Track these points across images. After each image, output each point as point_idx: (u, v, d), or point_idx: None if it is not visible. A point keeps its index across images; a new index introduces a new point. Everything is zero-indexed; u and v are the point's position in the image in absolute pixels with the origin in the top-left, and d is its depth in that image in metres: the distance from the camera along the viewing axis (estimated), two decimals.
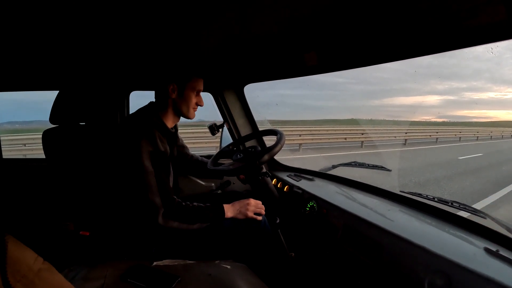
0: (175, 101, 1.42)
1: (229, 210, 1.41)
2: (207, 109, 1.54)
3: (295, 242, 1.54)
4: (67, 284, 0.53)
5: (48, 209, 1.88)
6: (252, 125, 2.18)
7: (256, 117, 2.19)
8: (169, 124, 1.45)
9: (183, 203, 1.34)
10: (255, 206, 1.44)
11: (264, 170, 1.57)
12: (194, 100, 1.45)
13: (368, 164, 1.77)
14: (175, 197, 1.34)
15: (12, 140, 8.06)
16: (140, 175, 1.26)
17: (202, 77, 1.46)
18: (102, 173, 1.60)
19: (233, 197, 1.60)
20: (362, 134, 12.46)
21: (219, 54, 1.45)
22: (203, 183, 2.12)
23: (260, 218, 1.45)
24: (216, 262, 1.26)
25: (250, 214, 1.42)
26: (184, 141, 1.80)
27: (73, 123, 1.65)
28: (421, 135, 14.47)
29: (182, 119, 1.50)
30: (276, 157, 2.00)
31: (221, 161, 1.78)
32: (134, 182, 1.28)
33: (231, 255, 1.35)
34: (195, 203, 1.37)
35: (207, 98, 2.11)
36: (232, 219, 1.42)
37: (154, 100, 1.48)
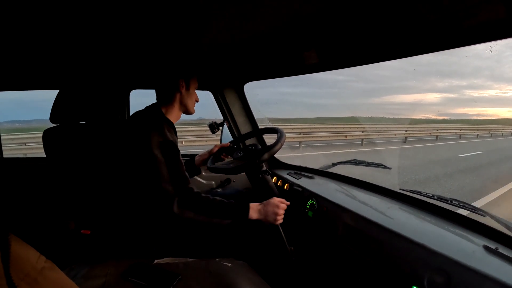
0: (182, 96, 1.45)
1: (255, 212, 1.33)
2: (207, 107, 1.55)
3: (295, 240, 1.55)
4: (69, 282, 0.53)
5: (49, 208, 1.89)
6: (252, 123, 2.19)
7: (256, 115, 2.19)
8: (173, 120, 1.47)
9: (202, 195, 1.31)
10: (282, 214, 1.36)
11: (264, 168, 1.58)
12: (195, 95, 1.50)
13: (368, 162, 1.77)
14: (192, 187, 1.32)
15: (12, 139, 8.05)
16: (151, 165, 1.25)
17: (202, 75, 1.48)
18: (103, 171, 1.60)
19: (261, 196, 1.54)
20: (362, 132, 12.45)
21: (219, 52, 1.45)
22: (203, 181, 2.13)
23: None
24: (217, 260, 1.26)
25: (277, 223, 1.36)
26: (185, 139, 1.80)
27: (73, 122, 1.66)
28: (421, 133, 14.47)
29: (181, 116, 1.51)
30: (276, 155, 2.01)
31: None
32: (146, 173, 1.27)
33: (231, 253, 1.35)
34: (216, 197, 1.33)
35: (207, 96, 2.11)
36: None
37: (154, 98, 1.48)
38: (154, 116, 1.39)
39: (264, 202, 1.36)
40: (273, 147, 1.49)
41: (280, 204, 1.34)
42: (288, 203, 1.39)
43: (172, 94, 1.44)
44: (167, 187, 1.25)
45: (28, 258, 0.47)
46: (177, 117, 1.49)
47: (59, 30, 1.08)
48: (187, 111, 1.50)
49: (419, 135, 14.19)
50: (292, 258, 1.47)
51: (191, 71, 1.47)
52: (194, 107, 1.53)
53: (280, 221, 1.35)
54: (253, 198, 1.49)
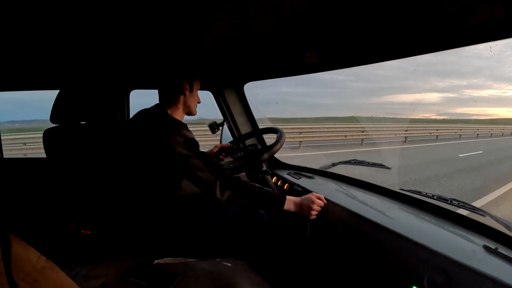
0: (186, 98, 1.45)
1: (292, 204, 1.37)
2: (207, 107, 1.55)
3: (295, 240, 1.55)
4: (69, 282, 0.53)
5: (49, 208, 1.89)
6: (252, 123, 2.19)
7: (256, 115, 2.19)
8: None
9: (242, 180, 1.34)
10: (317, 210, 1.37)
11: (264, 168, 1.58)
12: (197, 97, 1.51)
13: (368, 162, 1.77)
14: (231, 172, 1.34)
15: (12, 139, 8.05)
16: (183, 163, 1.28)
17: (202, 75, 1.49)
18: (104, 171, 1.60)
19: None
20: (362, 131, 12.46)
21: (219, 53, 1.46)
22: None
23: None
24: (217, 260, 1.26)
25: (311, 218, 1.37)
26: None
27: (73, 122, 1.66)
28: (421, 133, 14.48)
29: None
30: (276, 155, 2.01)
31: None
32: (179, 172, 1.30)
33: (231, 253, 1.35)
34: (257, 185, 1.38)
35: (207, 96, 2.12)
36: (233, 214, 1.45)
37: (154, 98, 1.49)
38: (165, 118, 1.38)
39: (302, 196, 1.39)
40: (272, 147, 1.49)
41: (316, 200, 1.37)
42: (325, 201, 1.40)
43: (176, 96, 1.44)
44: (205, 176, 1.29)
45: (28, 258, 0.47)
46: (181, 118, 1.49)
47: (59, 30, 1.08)
48: (190, 113, 1.50)
49: (419, 135, 14.20)
50: (307, 258, 1.46)
51: (195, 73, 1.47)
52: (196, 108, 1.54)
53: (314, 216, 1.37)
54: None
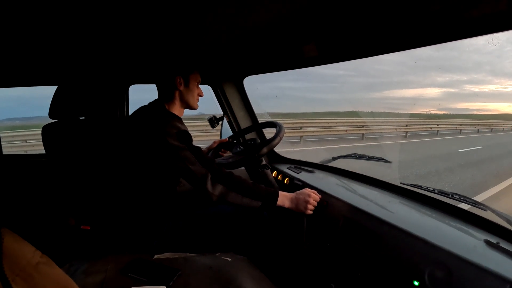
0: (182, 93, 1.44)
1: (287, 200, 1.36)
2: (207, 101, 1.54)
3: (295, 234, 1.54)
4: (66, 277, 0.53)
5: (49, 204, 1.88)
6: (252, 117, 2.18)
7: (256, 109, 2.18)
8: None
9: (234, 175, 1.34)
10: (313, 205, 1.37)
11: (264, 162, 1.57)
12: (197, 90, 1.49)
13: (368, 156, 1.76)
14: (222, 167, 1.34)
15: (13, 136, 8.05)
16: (174, 155, 1.27)
17: (201, 69, 1.48)
18: (103, 167, 1.60)
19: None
20: (363, 126, 12.43)
21: (218, 46, 1.44)
22: None
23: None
24: (217, 254, 1.26)
25: (308, 212, 1.36)
26: None
27: (72, 117, 1.65)
28: (422, 128, 14.43)
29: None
30: (276, 149, 2.00)
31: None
32: (170, 164, 1.30)
33: (231, 248, 1.35)
34: (249, 180, 1.38)
35: (206, 91, 2.10)
36: (232, 208, 1.44)
37: (154, 93, 1.48)
38: (162, 112, 1.39)
39: (297, 191, 1.39)
40: (271, 141, 1.49)
41: (311, 194, 1.37)
42: (320, 196, 1.40)
43: (171, 92, 1.43)
44: (196, 169, 1.28)
45: (22, 253, 0.46)
46: (180, 113, 1.48)
47: (57, 25, 1.07)
48: (189, 107, 1.49)
49: (419, 129, 14.16)
50: (306, 253, 1.46)
51: (188, 67, 1.45)
52: (198, 102, 1.52)
53: (310, 211, 1.36)
54: None
